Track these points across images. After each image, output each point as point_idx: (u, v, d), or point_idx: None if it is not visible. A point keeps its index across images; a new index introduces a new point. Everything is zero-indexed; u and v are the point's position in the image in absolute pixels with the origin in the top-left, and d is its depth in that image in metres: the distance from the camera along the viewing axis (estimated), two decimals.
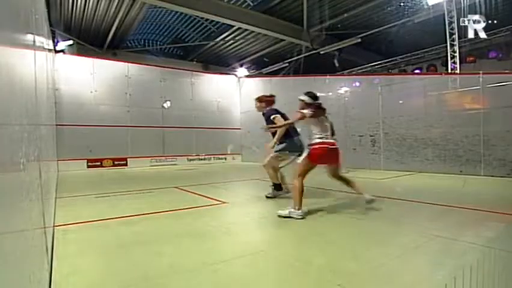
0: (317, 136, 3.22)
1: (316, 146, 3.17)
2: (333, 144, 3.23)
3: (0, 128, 0.65)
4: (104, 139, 10.34)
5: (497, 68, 10.85)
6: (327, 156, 3.20)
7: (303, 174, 3.17)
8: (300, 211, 3.00)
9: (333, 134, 3.49)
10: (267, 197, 4.08)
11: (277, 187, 4.10)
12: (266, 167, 4.07)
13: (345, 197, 4.29)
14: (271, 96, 4.26)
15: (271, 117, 3.90)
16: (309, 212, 3.14)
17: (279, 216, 3.05)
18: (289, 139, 3.93)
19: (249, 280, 1.65)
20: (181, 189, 5.16)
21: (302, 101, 3.38)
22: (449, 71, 9.84)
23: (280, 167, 4.13)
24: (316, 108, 3.29)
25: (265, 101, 4.18)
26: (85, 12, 12.21)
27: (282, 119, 3.85)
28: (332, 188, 4.94)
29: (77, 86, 10.08)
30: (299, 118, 3.26)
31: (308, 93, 3.40)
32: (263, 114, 4.12)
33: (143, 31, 16.63)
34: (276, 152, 3.95)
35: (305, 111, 3.23)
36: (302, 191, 3.09)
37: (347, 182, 3.37)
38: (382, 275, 1.67)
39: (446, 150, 6.90)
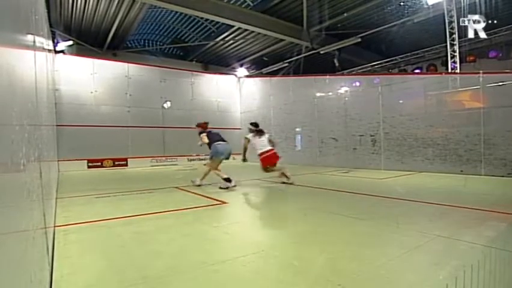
0: (259, 149, 5.42)
1: (261, 156, 5.40)
2: (270, 151, 5.39)
3: (1, 128, 0.65)
4: (104, 139, 10.33)
5: (498, 67, 10.84)
6: (269, 159, 5.40)
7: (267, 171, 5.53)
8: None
9: (273, 145, 5.50)
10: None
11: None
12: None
13: (345, 197, 4.29)
14: (205, 123, 5.59)
15: (201, 135, 5.40)
16: (310, 212, 3.14)
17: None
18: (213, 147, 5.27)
19: (249, 280, 1.65)
20: (182, 189, 5.16)
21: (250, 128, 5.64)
22: (449, 70, 9.83)
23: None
24: (257, 132, 5.50)
25: (200, 126, 5.58)
26: (85, 12, 12.20)
27: (205, 137, 5.33)
28: (332, 188, 4.95)
29: (77, 87, 10.08)
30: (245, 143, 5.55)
31: (252, 123, 5.68)
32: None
33: (143, 31, 16.63)
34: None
35: (249, 136, 5.52)
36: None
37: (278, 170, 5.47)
38: (383, 275, 1.67)
39: (446, 150, 6.89)
